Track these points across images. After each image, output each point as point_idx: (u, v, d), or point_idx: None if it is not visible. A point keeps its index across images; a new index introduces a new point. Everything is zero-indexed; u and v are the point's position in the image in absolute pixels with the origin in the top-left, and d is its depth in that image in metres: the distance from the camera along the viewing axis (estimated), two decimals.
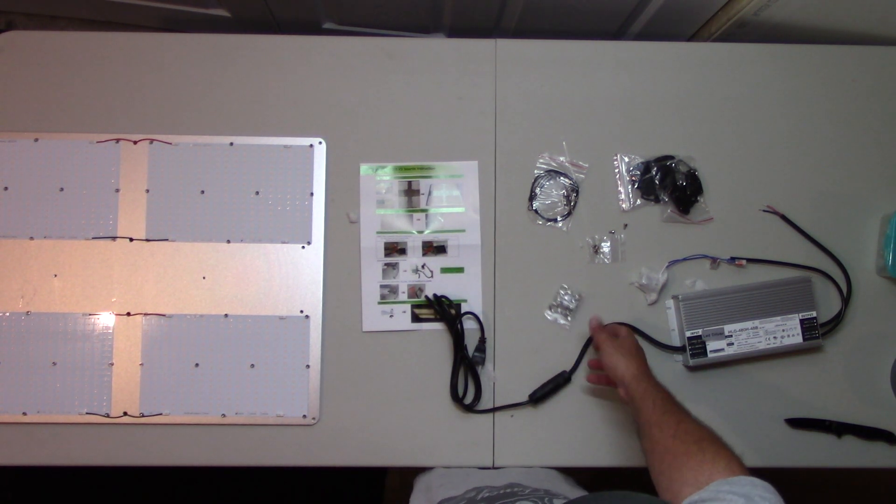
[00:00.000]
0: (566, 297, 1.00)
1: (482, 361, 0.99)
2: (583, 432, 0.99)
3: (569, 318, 1.00)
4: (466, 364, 0.98)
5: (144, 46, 1.05)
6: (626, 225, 1.03)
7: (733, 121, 1.06)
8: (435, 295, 0.99)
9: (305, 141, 1.03)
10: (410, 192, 1.02)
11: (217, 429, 0.98)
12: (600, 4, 1.19)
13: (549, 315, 1.00)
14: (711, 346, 0.97)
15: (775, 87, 1.07)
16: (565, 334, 1.00)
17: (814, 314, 0.98)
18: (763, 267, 1.02)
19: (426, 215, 1.01)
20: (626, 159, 1.04)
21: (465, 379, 0.99)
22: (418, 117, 1.04)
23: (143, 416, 0.97)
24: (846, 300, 1.01)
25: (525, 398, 0.98)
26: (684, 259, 1.02)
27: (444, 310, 0.99)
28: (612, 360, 0.87)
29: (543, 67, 1.06)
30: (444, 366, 0.99)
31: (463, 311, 0.99)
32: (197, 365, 0.98)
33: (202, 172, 1.02)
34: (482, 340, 0.99)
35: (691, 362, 0.97)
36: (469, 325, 1.00)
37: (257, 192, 1.01)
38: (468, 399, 0.98)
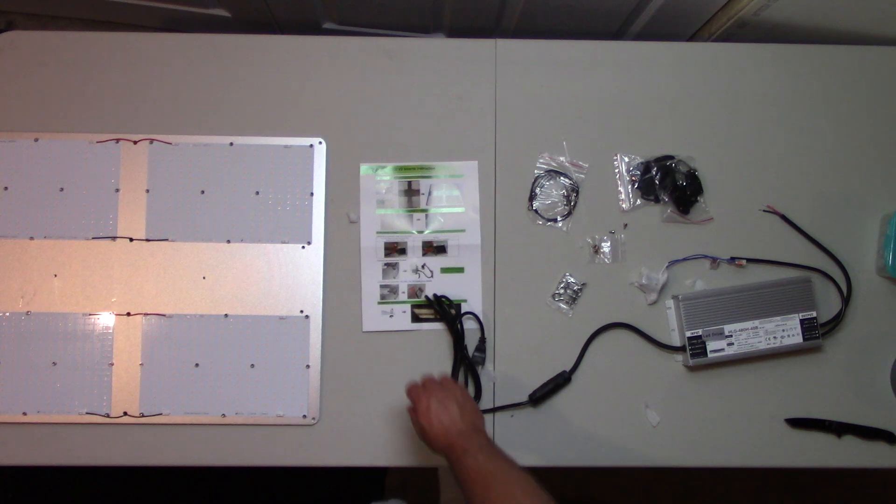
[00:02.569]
0: (571, 280, 1.00)
1: (482, 361, 0.99)
2: (583, 432, 0.99)
3: (572, 306, 1.00)
4: (466, 364, 0.98)
5: (144, 46, 1.05)
6: (626, 225, 1.03)
7: (733, 121, 1.06)
8: (435, 295, 0.99)
9: (305, 141, 1.03)
10: (410, 192, 1.02)
11: (217, 429, 0.98)
12: (600, 4, 1.19)
13: (550, 304, 1.00)
14: (711, 346, 0.97)
15: (775, 87, 1.07)
16: (566, 334, 1.00)
17: (814, 314, 0.98)
18: (763, 267, 1.02)
19: (426, 215, 1.01)
20: (626, 159, 1.04)
21: (466, 379, 0.99)
22: (418, 117, 1.05)
23: (143, 416, 0.97)
24: (846, 300, 1.01)
25: (525, 398, 0.98)
26: (684, 259, 1.02)
27: (444, 310, 0.99)
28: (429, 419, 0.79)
29: (543, 67, 1.06)
30: (445, 366, 0.99)
31: (463, 311, 0.99)
32: (197, 365, 0.98)
33: (202, 172, 1.02)
34: (482, 340, 0.99)
35: (691, 362, 0.97)
36: (469, 325, 1.00)
37: (257, 192, 1.01)
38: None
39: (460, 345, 0.98)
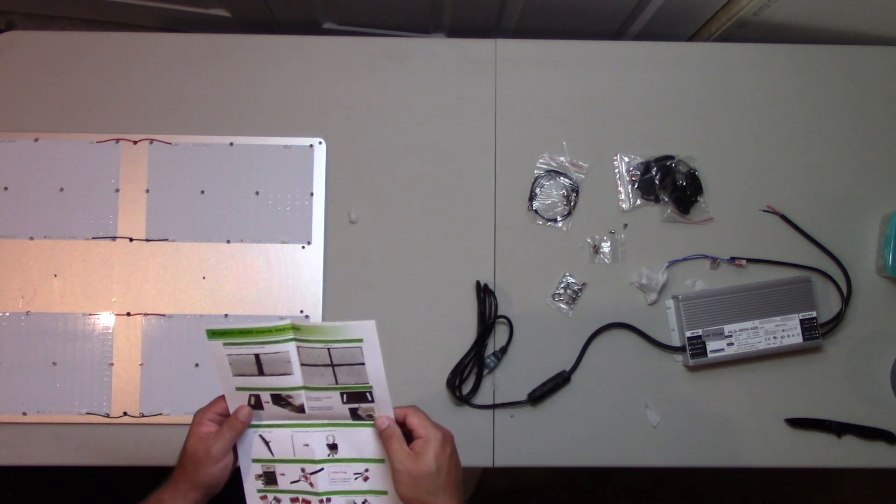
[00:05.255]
0: (571, 280, 1.00)
1: (493, 367, 0.98)
2: (583, 432, 0.99)
3: (572, 306, 1.00)
4: (478, 363, 0.98)
5: (144, 46, 1.05)
6: (626, 225, 1.03)
7: (733, 121, 1.06)
8: (486, 285, 0.99)
9: (305, 141, 1.03)
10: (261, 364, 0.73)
11: None
12: (600, 4, 1.19)
13: (550, 304, 1.00)
14: (711, 346, 0.97)
15: (775, 87, 1.07)
16: (566, 333, 1.00)
17: (814, 314, 0.98)
18: (763, 267, 1.02)
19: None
20: (626, 159, 1.04)
21: (467, 376, 0.98)
22: (418, 117, 1.05)
23: (143, 416, 0.97)
24: (846, 300, 1.01)
25: (524, 397, 0.98)
26: (684, 259, 1.02)
27: (485, 301, 0.98)
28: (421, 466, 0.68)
29: (543, 67, 1.06)
30: (445, 365, 0.99)
31: (500, 313, 0.99)
32: (197, 365, 0.98)
33: (202, 172, 1.02)
34: (502, 350, 0.99)
35: (691, 362, 0.97)
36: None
37: (257, 192, 1.01)
38: (464, 392, 0.98)
39: (482, 341, 0.98)
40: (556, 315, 1.01)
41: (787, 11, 1.07)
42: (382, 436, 0.72)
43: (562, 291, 1.01)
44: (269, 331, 0.70)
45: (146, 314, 0.99)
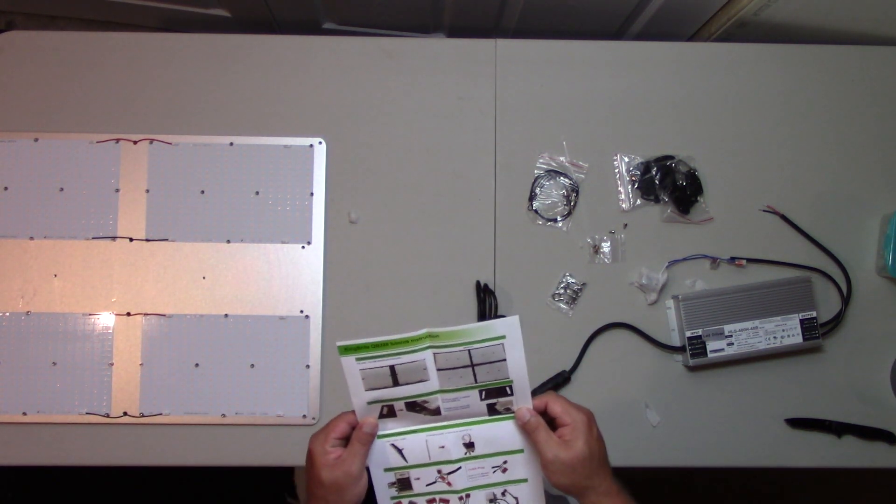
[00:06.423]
0: (571, 280, 1.00)
1: None
2: None
3: (572, 306, 1.00)
4: None
5: (144, 46, 1.05)
6: (626, 225, 1.03)
7: (733, 121, 1.06)
8: (486, 285, 0.99)
9: (305, 141, 1.03)
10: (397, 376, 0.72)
11: (217, 429, 0.98)
12: (600, 4, 1.19)
13: (550, 304, 1.00)
14: (711, 346, 0.97)
15: (775, 87, 1.07)
16: (566, 334, 1.00)
17: (814, 314, 0.98)
18: (763, 267, 1.02)
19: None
20: (626, 159, 1.04)
21: None
22: (418, 117, 1.05)
23: (143, 416, 0.97)
24: (846, 300, 1.01)
25: None
26: (684, 259, 1.02)
27: (485, 301, 0.98)
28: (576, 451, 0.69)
29: (543, 67, 1.06)
30: None
31: (499, 313, 0.99)
32: (197, 365, 0.98)
33: (202, 172, 1.02)
34: None
35: (691, 362, 0.97)
36: None
37: (257, 192, 1.01)
38: None
39: None
40: (556, 315, 1.01)
41: (787, 11, 1.07)
42: (527, 428, 0.71)
43: (562, 291, 1.01)
44: (405, 342, 0.69)
45: (146, 314, 0.99)
